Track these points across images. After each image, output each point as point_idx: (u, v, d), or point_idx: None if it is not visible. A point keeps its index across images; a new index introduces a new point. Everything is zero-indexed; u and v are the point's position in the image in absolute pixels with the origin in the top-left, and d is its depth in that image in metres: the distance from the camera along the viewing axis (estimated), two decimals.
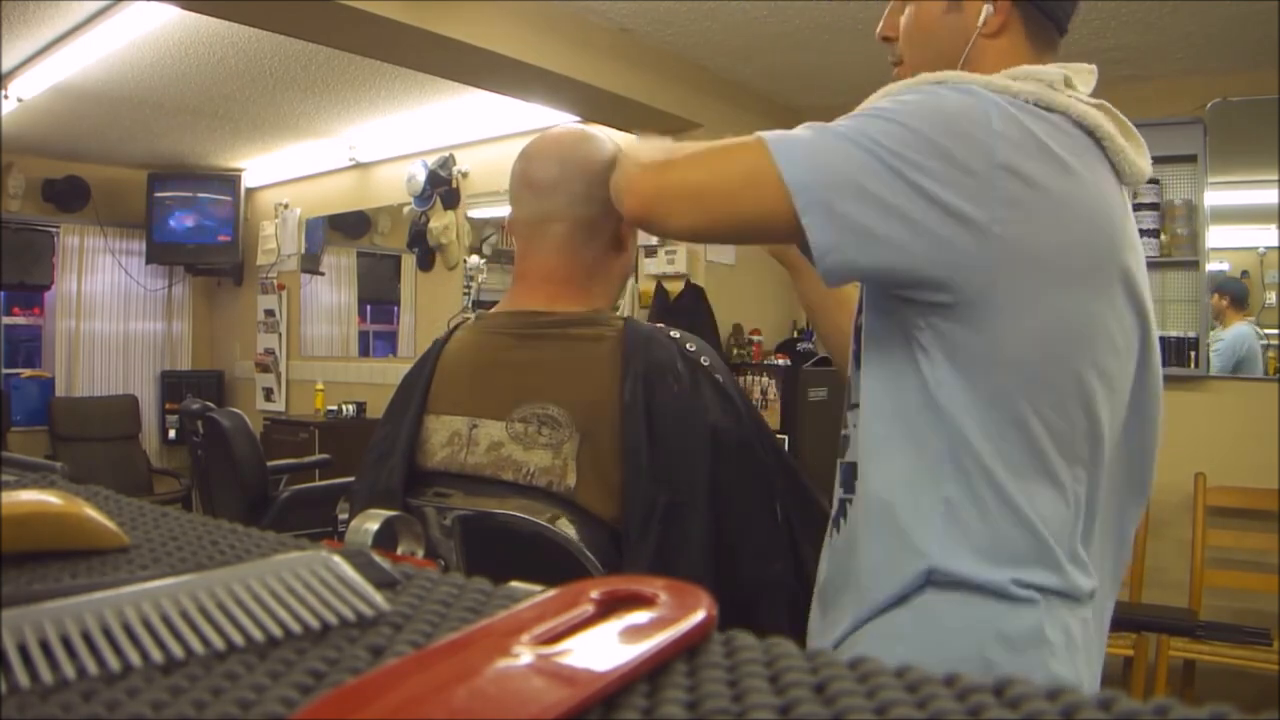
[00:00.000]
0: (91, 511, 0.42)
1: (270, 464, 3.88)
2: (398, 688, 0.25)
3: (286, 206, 5.90)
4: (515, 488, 1.07)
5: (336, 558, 0.35)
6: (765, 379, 3.71)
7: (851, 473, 0.92)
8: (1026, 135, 0.82)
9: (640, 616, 0.30)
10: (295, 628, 0.31)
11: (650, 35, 3.44)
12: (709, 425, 1.04)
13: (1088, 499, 0.87)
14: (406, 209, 5.18)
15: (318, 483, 4.16)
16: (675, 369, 1.07)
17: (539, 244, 1.17)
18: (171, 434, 6.01)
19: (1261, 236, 3.86)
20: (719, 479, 1.03)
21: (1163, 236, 3.62)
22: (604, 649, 0.27)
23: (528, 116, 4.13)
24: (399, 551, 0.41)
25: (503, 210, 4.88)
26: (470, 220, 5.00)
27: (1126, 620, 3.12)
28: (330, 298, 5.90)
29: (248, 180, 6.00)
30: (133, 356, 6.12)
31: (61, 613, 0.30)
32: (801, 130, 0.86)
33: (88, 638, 0.29)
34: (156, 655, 0.29)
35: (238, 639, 0.30)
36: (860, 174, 0.80)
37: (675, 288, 3.81)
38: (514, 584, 0.36)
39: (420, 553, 0.41)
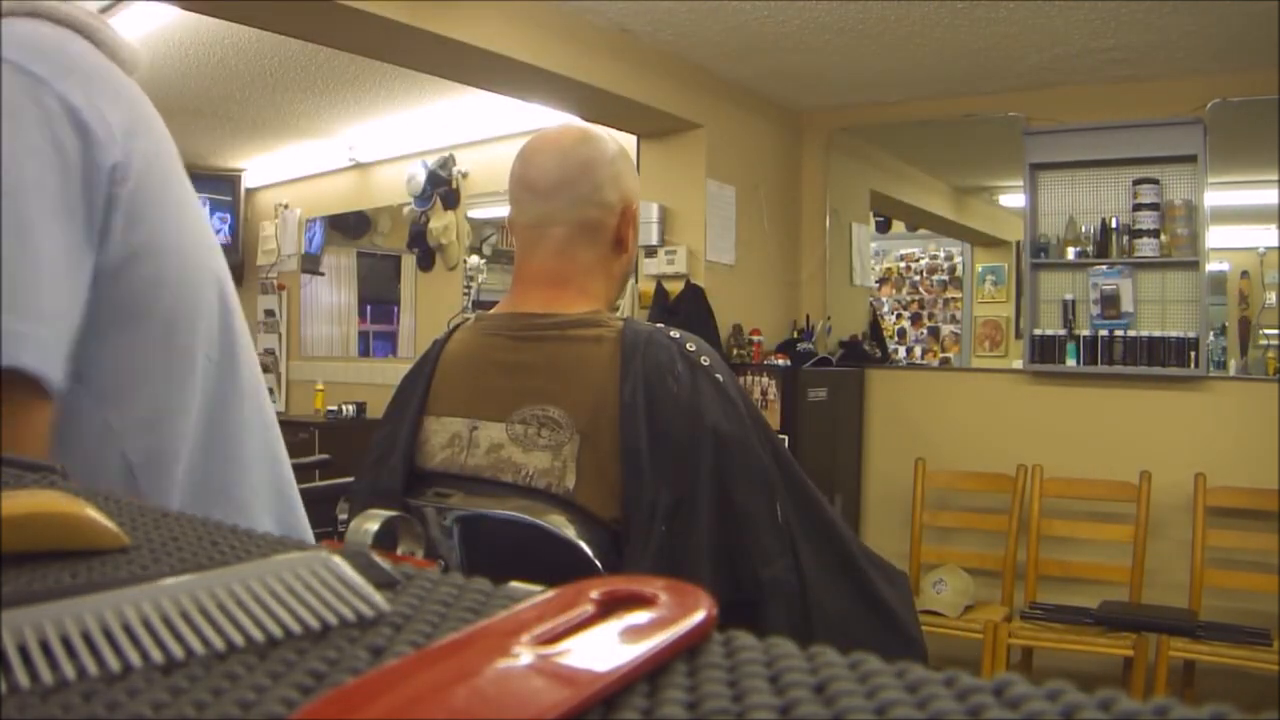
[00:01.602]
0: (91, 511, 0.42)
1: None
2: (398, 688, 0.25)
3: (286, 206, 5.90)
4: (515, 489, 1.07)
5: (336, 558, 0.35)
6: (765, 379, 3.72)
7: None
8: None
9: (640, 617, 0.30)
10: (295, 628, 0.31)
11: (650, 35, 3.44)
12: (709, 425, 1.04)
13: None
14: (406, 209, 5.18)
15: (318, 483, 4.16)
16: (675, 369, 1.07)
17: (539, 246, 1.16)
18: None
19: (1261, 236, 3.86)
20: (720, 479, 1.03)
21: (1163, 236, 3.62)
22: (604, 649, 0.27)
23: (528, 116, 4.13)
24: (399, 552, 0.41)
25: (503, 210, 4.89)
26: (470, 220, 5.00)
27: (1126, 620, 3.12)
28: (330, 298, 5.90)
29: (248, 180, 6.00)
30: None
31: (61, 613, 0.30)
32: None
33: (88, 638, 0.29)
34: (156, 655, 0.29)
35: (238, 639, 0.30)
36: None
37: (675, 288, 3.81)
38: (514, 584, 0.36)
39: (420, 553, 0.41)
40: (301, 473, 4.24)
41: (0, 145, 0.63)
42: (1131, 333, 3.63)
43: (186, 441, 0.75)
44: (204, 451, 0.76)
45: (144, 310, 0.72)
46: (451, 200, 4.97)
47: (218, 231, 5.97)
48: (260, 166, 5.86)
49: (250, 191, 6.08)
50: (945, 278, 5.98)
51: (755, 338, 3.98)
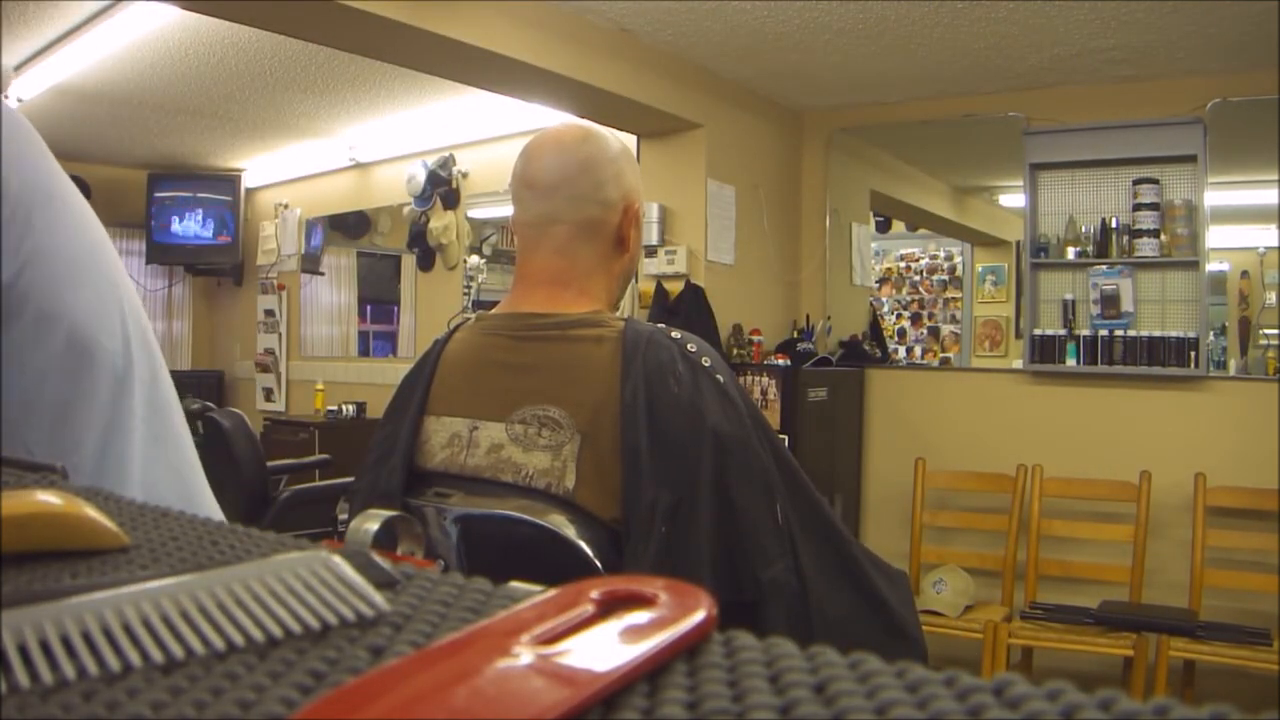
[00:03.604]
0: (91, 511, 0.42)
1: (270, 464, 3.88)
2: (398, 688, 0.25)
3: (286, 206, 5.91)
4: (515, 489, 1.07)
5: (336, 558, 0.35)
6: (765, 379, 3.72)
7: None
8: None
9: (640, 616, 0.30)
10: (295, 628, 0.31)
11: (650, 35, 3.44)
12: (710, 426, 1.04)
13: None
14: (406, 209, 5.18)
15: (318, 483, 4.16)
16: (676, 370, 1.07)
17: (541, 245, 1.16)
18: None
19: (1261, 236, 3.87)
20: (720, 479, 1.03)
21: (1163, 236, 3.62)
22: (604, 649, 0.27)
23: (528, 116, 4.13)
24: (399, 551, 0.41)
25: (502, 210, 4.89)
26: (470, 220, 5.00)
27: (1126, 620, 3.12)
28: (330, 298, 5.90)
29: (248, 180, 6.00)
30: None
31: (61, 613, 0.30)
32: None
33: (88, 638, 0.29)
34: (156, 655, 0.29)
35: (238, 639, 0.30)
36: None
37: (675, 288, 3.81)
38: (514, 584, 0.36)
39: (420, 553, 0.41)
40: (301, 473, 4.27)
41: None
42: (1131, 333, 3.63)
43: (92, 432, 0.79)
44: (101, 453, 0.80)
45: (46, 312, 0.76)
46: (451, 200, 4.97)
47: (219, 231, 5.98)
48: (260, 166, 5.86)
49: (250, 191, 6.08)
50: (945, 278, 5.99)
51: (755, 338, 3.98)
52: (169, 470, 0.87)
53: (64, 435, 0.77)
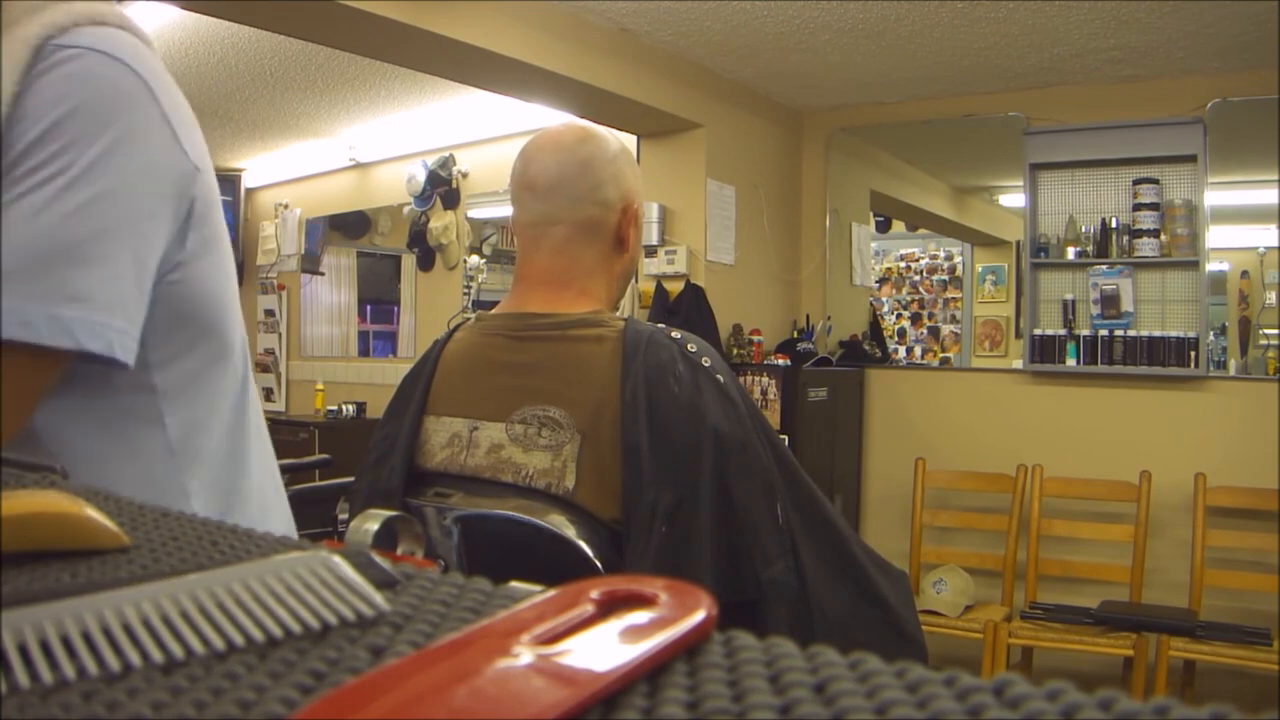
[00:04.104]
0: (91, 511, 0.42)
1: None
2: (398, 688, 0.25)
3: (286, 206, 5.90)
4: (515, 489, 1.07)
5: (336, 558, 0.35)
6: (765, 379, 3.71)
7: None
8: None
9: (640, 616, 0.30)
10: (295, 628, 0.31)
11: (650, 35, 3.44)
12: (710, 426, 1.04)
13: None
14: (406, 209, 5.18)
15: (318, 483, 4.16)
16: (676, 370, 1.07)
17: (540, 246, 1.16)
18: None
19: (1261, 236, 3.87)
20: (720, 479, 1.03)
21: (1163, 236, 3.62)
22: (604, 649, 0.27)
23: (528, 116, 4.13)
24: (399, 551, 0.41)
25: (502, 210, 4.89)
26: (470, 220, 5.00)
27: (1126, 620, 3.12)
28: (330, 298, 5.90)
29: (248, 180, 5.99)
30: None
31: (61, 613, 0.30)
32: None
33: (88, 638, 0.29)
34: (156, 655, 0.29)
35: (238, 639, 0.30)
36: None
37: (675, 288, 3.81)
38: (514, 584, 0.36)
39: (420, 553, 0.41)
40: (301, 473, 4.26)
41: (121, 148, 0.68)
42: (1131, 333, 3.63)
43: (220, 429, 0.82)
44: (229, 438, 0.83)
45: (202, 300, 0.78)
46: (451, 200, 4.97)
47: None
48: (260, 166, 5.86)
49: (250, 191, 6.08)
50: (945, 278, 5.99)
51: (755, 338, 3.98)
52: (267, 470, 0.91)
53: (198, 412, 0.80)
